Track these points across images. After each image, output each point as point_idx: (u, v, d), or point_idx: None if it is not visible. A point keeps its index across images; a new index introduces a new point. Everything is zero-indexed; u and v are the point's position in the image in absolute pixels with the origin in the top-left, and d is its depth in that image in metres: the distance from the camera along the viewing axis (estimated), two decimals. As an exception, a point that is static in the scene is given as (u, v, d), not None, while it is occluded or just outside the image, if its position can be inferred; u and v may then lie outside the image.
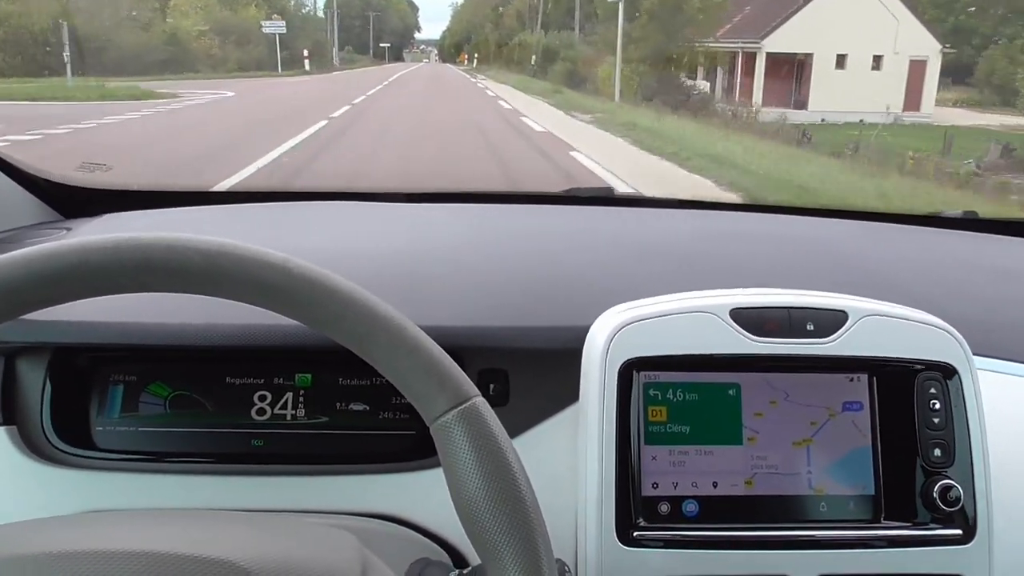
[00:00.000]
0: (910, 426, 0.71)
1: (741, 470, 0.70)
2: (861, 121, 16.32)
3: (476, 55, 53.49)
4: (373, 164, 7.95)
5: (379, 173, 7.33)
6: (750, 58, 20.19)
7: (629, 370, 0.69)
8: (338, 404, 0.77)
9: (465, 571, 0.58)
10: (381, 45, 73.07)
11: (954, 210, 1.32)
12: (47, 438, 0.74)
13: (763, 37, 19.89)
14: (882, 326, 0.71)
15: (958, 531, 0.69)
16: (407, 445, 0.76)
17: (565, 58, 26.90)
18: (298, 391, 0.77)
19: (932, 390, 0.71)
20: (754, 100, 18.89)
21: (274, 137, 9.02)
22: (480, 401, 0.49)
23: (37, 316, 0.51)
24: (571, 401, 0.74)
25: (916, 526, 0.69)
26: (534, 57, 30.28)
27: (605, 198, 1.32)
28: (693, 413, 0.70)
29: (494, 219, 1.17)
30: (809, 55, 19.97)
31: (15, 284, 0.46)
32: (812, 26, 19.23)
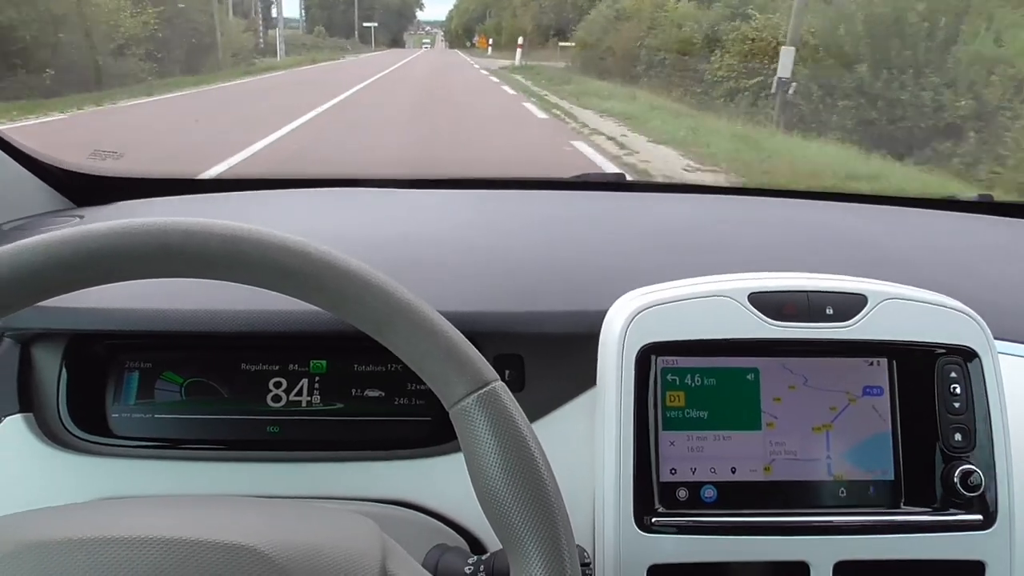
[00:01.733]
0: (930, 411, 0.70)
1: (760, 456, 0.70)
2: None
3: (521, 41, 26.83)
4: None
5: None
6: None
7: (646, 355, 0.68)
8: (353, 390, 0.77)
9: (483, 556, 0.58)
10: (366, 25, 57.45)
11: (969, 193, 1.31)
12: (64, 425, 0.74)
13: None
14: (902, 310, 0.70)
15: (979, 516, 0.68)
16: (423, 431, 0.76)
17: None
18: (313, 377, 0.77)
19: (952, 374, 0.70)
20: None
21: None
22: (500, 385, 0.49)
23: (53, 303, 0.50)
24: (587, 386, 0.74)
25: (936, 511, 0.69)
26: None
27: (617, 183, 1.31)
28: (711, 398, 0.70)
29: (506, 205, 1.16)
30: None
31: (33, 270, 0.46)
32: None
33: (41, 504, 0.57)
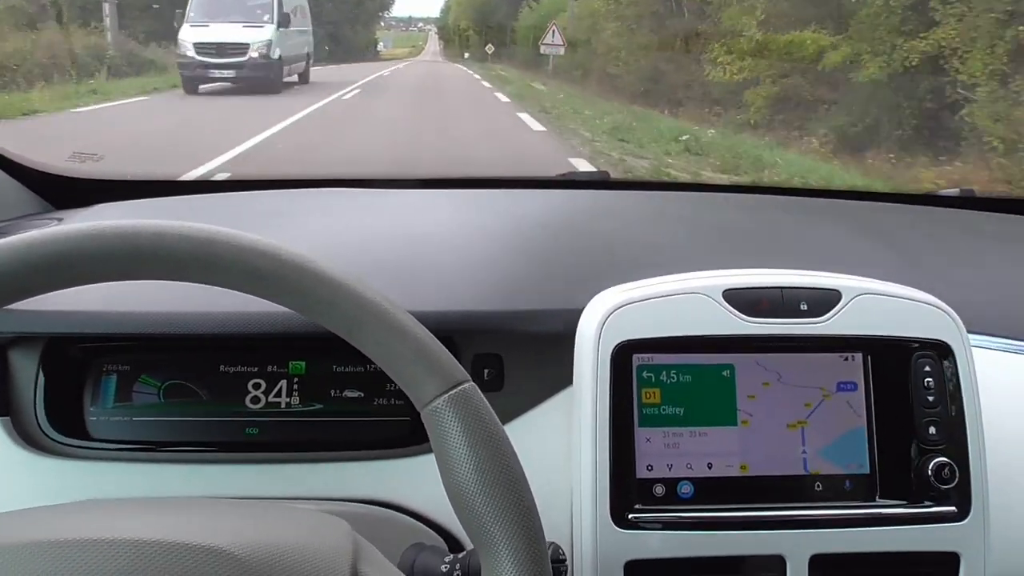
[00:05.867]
0: (905, 405, 0.71)
1: (736, 452, 0.70)
2: None
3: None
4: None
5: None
6: None
7: (622, 352, 0.69)
8: (332, 391, 0.77)
9: (459, 555, 0.59)
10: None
11: (951, 189, 1.32)
12: (41, 429, 0.74)
13: None
14: (876, 305, 0.71)
15: (953, 508, 0.69)
16: (402, 431, 0.76)
17: None
18: (292, 378, 0.77)
19: (927, 368, 0.71)
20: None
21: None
22: (470, 386, 0.49)
23: (29, 306, 0.51)
24: (566, 384, 0.74)
25: (911, 504, 0.69)
26: None
27: (600, 182, 1.32)
28: (687, 395, 0.70)
29: (487, 204, 1.16)
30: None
31: (1, 273, 0.45)
32: None
33: (18, 508, 0.57)
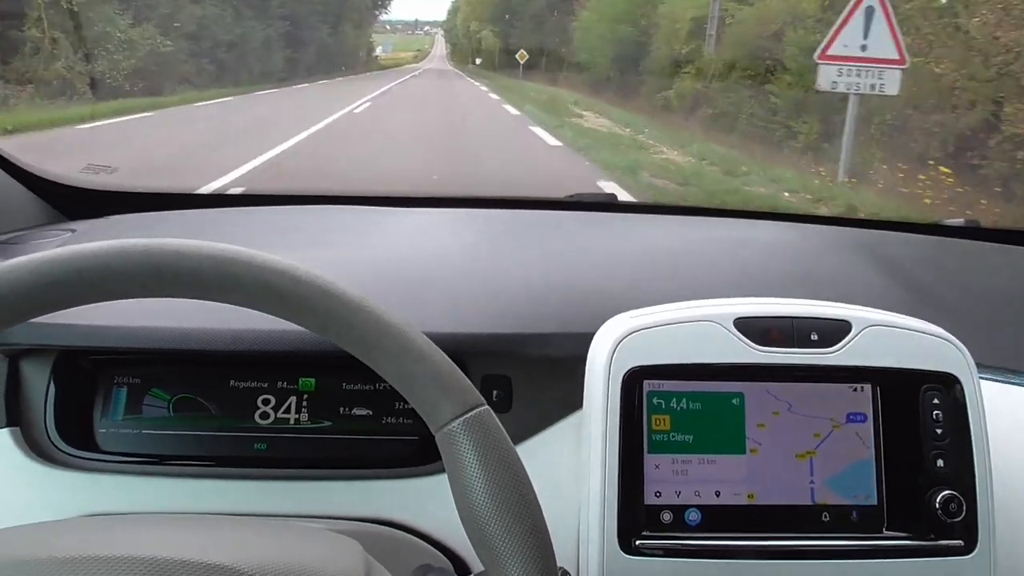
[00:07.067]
0: (913, 437, 0.71)
1: (744, 480, 0.70)
2: None
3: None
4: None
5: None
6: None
7: (633, 378, 0.69)
8: (341, 409, 0.77)
9: None
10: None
11: (956, 219, 1.32)
12: (50, 440, 0.74)
13: None
14: (885, 336, 0.71)
15: (959, 541, 0.69)
16: (410, 450, 0.76)
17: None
18: (301, 395, 0.77)
19: (935, 400, 0.71)
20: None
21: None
22: (486, 410, 0.50)
23: (42, 319, 0.51)
24: (574, 408, 0.74)
25: (918, 537, 0.69)
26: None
27: (609, 204, 1.32)
28: (696, 422, 0.70)
29: (498, 224, 1.17)
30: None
31: (25, 288, 0.46)
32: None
33: (27, 519, 0.57)
